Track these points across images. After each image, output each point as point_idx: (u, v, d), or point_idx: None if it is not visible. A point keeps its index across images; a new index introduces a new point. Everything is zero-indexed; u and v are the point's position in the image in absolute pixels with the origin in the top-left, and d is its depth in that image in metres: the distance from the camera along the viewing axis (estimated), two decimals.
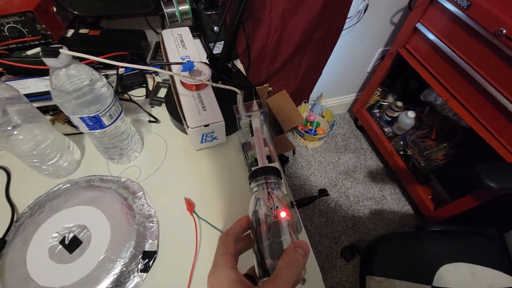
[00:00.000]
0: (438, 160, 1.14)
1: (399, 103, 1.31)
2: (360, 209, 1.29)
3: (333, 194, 1.33)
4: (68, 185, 0.45)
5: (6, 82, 0.40)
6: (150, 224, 0.42)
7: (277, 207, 0.26)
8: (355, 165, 1.44)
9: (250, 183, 0.29)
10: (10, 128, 0.37)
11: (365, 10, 1.03)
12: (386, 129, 1.39)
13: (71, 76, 0.34)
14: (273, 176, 0.29)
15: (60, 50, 0.30)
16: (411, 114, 1.24)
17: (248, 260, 0.26)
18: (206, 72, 0.46)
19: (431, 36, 0.92)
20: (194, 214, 0.42)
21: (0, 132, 0.37)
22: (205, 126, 0.42)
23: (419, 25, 0.97)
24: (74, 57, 0.33)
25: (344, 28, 0.98)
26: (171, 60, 0.50)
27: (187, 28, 0.56)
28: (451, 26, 0.86)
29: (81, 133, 0.51)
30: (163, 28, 0.70)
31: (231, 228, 0.27)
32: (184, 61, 0.50)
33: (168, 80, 0.60)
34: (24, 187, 0.45)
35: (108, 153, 0.46)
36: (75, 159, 0.47)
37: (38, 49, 0.30)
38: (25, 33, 0.53)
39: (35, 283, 0.35)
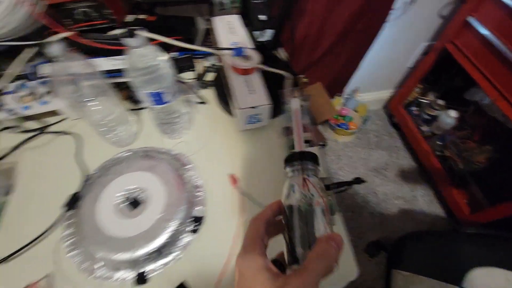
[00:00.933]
0: (479, 163, 1.08)
1: (441, 102, 1.26)
2: (389, 207, 1.27)
3: (361, 190, 1.32)
4: (130, 153, 0.51)
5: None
6: (198, 193, 0.46)
7: (312, 195, 0.25)
8: (386, 162, 1.41)
9: (285, 167, 0.28)
10: (85, 100, 0.43)
11: (412, 2, 0.99)
12: (423, 128, 1.34)
13: (143, 56, 0.38)
14: (310, 162, 0.27)
15: (140, 32, 0.34)
16: (453, 113, 1.19)
17: (278, 242, 0.26)
18: (256, 57, 0.49)
19: (484, 31, 0.87)
20: (237, 189, 0.46)
21: (78, 103, 0.44)
22: (253, 108, 0.45)
23: (471, 19, 0.92)
24: (146, 39, 0.37)
25: (386, 21, 0.96)
26: (221, 46, 0.54)
27: (237, 16, 0.59)
28: (508, 22, 0.81)
29: (140, 109, 0.57)
30: (212, 15, 0.74)
31: (262, 212, 0.26)
32: (231, 47, 0.53)
33: (215, 65, 0.64)
34: (93, 152, 0.52)
35: (163, 128, 0.51)
36: (133, 131, 0.53)
37: (121, 30, 0.35)
38: (95, 17, 0.59)
39: (103, 232, 0.41)
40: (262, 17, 0.67)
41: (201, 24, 0.72)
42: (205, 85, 0.61)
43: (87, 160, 0.51)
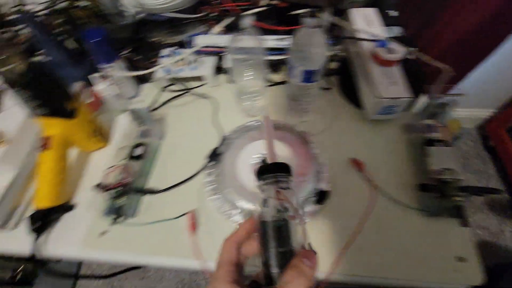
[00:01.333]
0: None
1: None
2: None
3: None
4: (259, 123, 0.57)
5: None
6: (324, 170, 0.50)
7: (286, 209, 0.23)
8: None
9: (257, 181, 0.26)
10: (245, 69, 0.49)
11: None
12: None
13: (312, 36, 0.42)
14: (284, 174, 0.25)
15: (322, 15, 0.38)
16: None
17: None
18: (399, 50, 0.50)
19: None
20: (360, 173, 0.49)
21: (237, 71, 0.50)
22: (393, 98, 0.47)
23: None
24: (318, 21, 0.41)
25: None
26: (358, 37, 0.56)
27: (374, 9, 0.60)
28: None
29: (275, 84, 0.62)
30: (339, 7, 0.75)
31: (234, 232, 0.25)
32: (371, 39, 0.55)
33: (337, 54, 0.66)
34: (226, 116, 0.59)
35: (292, 105, 0.56)
36: (264, 104, 0.58)
37: (302, 11, 0.39)
38: None
39: (242, 185, 0.47)
40: (393, 13, 0.67)
41: (327, 15, 0.74)
42: (328, 72, 0.64)
43: (221, 122, 0.58)
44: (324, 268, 0.41)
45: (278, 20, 0.62)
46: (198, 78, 0.64)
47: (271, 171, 0.25)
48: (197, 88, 0.63)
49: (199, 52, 0.62)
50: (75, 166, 0.50)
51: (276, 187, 0.25)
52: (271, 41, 0.57)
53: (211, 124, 0.58)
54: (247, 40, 0.45)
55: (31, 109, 0.42)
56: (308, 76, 0.47)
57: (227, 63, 0.62)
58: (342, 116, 0.57)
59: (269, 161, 0.29)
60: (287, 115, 0.58)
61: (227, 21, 0.60)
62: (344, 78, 0.60)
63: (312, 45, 0.43)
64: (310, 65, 0.45)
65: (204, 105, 0.61)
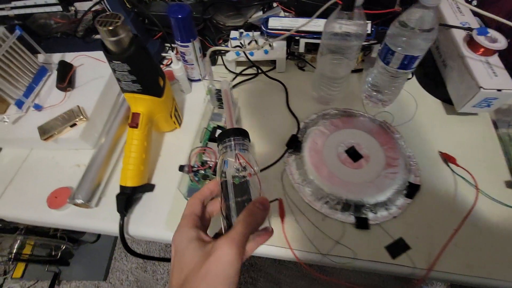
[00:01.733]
0: None
1: None
2: None
3: None
4: (335, 111, 0.54)
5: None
6: (412, 163, 0.47)
7: (244, 168, 0.27)
8: None
9: (218, 145, 0.29)
10: (334, 54, 0.47)
11: None
12: None
13: (427, 17, 0.39)
14: (241, 137, 0.29)
15: None
16: None
17: None
18: (502, 39, 0.46)
19: None
20: (453, 167, 0.46)
21: (324, 58, 0.48)
22: (498, 90, 0.44)
23: None
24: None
25: None
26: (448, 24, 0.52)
27: None
28: None
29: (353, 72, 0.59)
30: None
31: (199, 191, 0.28)
32: (464, 26, 0.51)
33: None
34: (299, 102, 0.57)
35: (372, 94, 0.53)
36: (342, 92, 0.56)
37: None
38: None
39: (331, 175, 0.45)
40: (474, 2, 0.63)
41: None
42: None
43: (294, 108, 0.56)
44: (421, 264, 0.39)
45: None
46: (269, 62, 0.62)
47: (230, 135, 0.28)
48: (268, 72, 0.61)
49: (270, 35, 0.59)
50: (152, 147, 0.49)
51: (235, 149, 0.28)
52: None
53: (284, 109, 0.56)
54: (347, 24, 0.42)
55: (125, 84, 0.41)
56: (407, 63, 0.44)
57: (301, 47, 0.59)
58: (425, 108, 0.54)
59: (228, 127, 0.32)
60: (366, 105, 0.56)
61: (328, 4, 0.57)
62: (426, 67, 0.57)
63: (422, 28, 0.40)
64: (414, 51, 0.42)
65: (275, 90, 0.59)
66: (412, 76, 0.59)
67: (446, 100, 0.54)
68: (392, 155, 0.46)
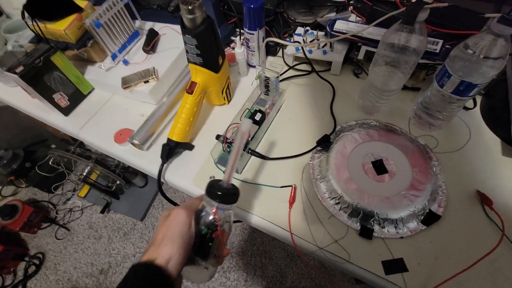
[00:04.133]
0: None
1: None
2: None
3: None
4: (376, 123, 0.54)
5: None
6: (440, 193, 0.45)
7: (215, 225, 0.32)
8: None
9: (205, 193, 0.33)
10: (388, 66, 0.47)
11: None
12: None
13: (491, 44, 0.37)
14: (227, 203, 0.33)
15: None
16: None
17: None
18: None
19: None
20: (488, 210, 0.43)
21: (379, 68, 0.48)
22: None
23: None
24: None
25: None
26: None
27: None
28: None
29: (413, 89, 0.58)
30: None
31: (197, 198, 0.36)
32: None
33: None
34: (343, 107, 0.58)
35: (422, 114, 0.51)
36: (389, 107, 0.55)
37: (496, 15, 0.34)
38: None
39: (349, 181, 0.46)
40: None
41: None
42: None
43: (336, 111, 0.57)
44: None
45: (439, 20, 0.55)
46: (325, 63, 0.64)
47: (218, 196, 0.32)
48: (322, 72, 0.63)
49: (334, 37, 0.61)
50: (201, 114, 0.57)
51: (216, 206, 0.32)
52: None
53: (326, 110, 0.58)
54: (405, 38, 0.42)
55: (191, 56, 0.48)
56: (465, 89, 0.42)
57: (361, 54, 0.60)
58: (479, 142, 0.50)
59: (225, 178, 0.33)
60: (412, 124, 0.54)
61: (393, 12, 0.57)
62: (494, 100, 0.52)
63: (487, 55, 0.38)
64: (473, 78, 0.40)
65: (323, 90, 0.61)
66: (475, 106, 0.55)
67: (507, 140, 0.49)
68: (420, 178, 0.45)
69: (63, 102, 0.61)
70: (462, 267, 0.39)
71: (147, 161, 0.55)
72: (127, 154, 0.57)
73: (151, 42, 0.64)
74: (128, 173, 1.26)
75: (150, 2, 0.81)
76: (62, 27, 0.57)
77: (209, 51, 0.48)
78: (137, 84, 0.59)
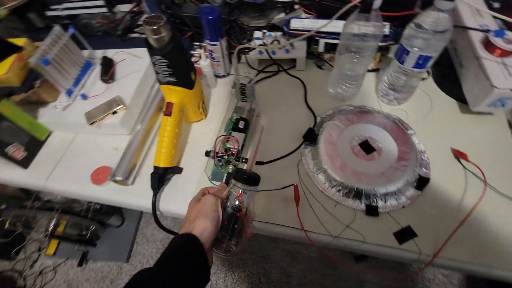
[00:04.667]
0: None
1: None
2: None
3: None
4: (351, 107, 0.58)
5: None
6: (423, 157, 0.50)
7: (239, 207, 0.37)
8: None
9: (232, 178, 0.39)
10: (352, 53, 0.50)
11: None
12: None
13: (442, 20, 0.42)
14: (251, 185, 0.38)
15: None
16: None
17: None
18: None
19: None
20: (465, 163, 0.48)
21: (343, 57, 0.51)
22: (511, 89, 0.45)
23: None
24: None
25: None
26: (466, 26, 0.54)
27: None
28: None
29: (371, 71, 0.62)
30: None
31: (222, 186, 0.43)
32: (482, 29, 0.53)
33: None
34: (316, 99, 0.60)
35: (387, 93, 0.56)
36: (357, 90, 0.59)
37: None
38: None
39: (344, 166, 0.48)
40: (496, 4, 0.64)
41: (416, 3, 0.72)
42: None
43: (312, 104, 0.59)
44: (427, 251, 0.42)
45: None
46: (289, 61, 0.66)
47: (244, 180, 0.37)
48: (289, 69, 0.65)
49: (292, 35, 0.63)
50: (181, 134, 0.54)
51: (241, 189, 0.37)
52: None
53: (302, 104, 0.60)
54: (364, 25, 0.45)
55: (162, 76, 0.46)
56: (422, 62, 0.47)
57: (320, 47, 0.63)
58: (440, 107, 0.56)
59: (247, 167, 0.41)
60: (381, 103, 0.58)
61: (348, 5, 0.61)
62: (442, 68, 0.59)
63: (436, 29, 0.43)
64: (429, 51, 0.45)
65: (295, 86, 0.63)
66: (428, 75, 0.61)
67: (461, 99, 0.56)
68: (404, 149, 0.49)
69: (19, 153, 0.54)
70: (460, 219, 0.43)
71: (134, 196, 0.51)
72: (110, 194, 0.52)
73: (109, 71, 0.59)
74: (102, 215, 1.16)
75: (94, 30, 0.76)
76: (1, 72, 0.51)
77: (181, 68, 0.46)
78: (104, 117, 0.54)
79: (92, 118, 0.54)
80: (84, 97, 0.58)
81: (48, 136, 0.60)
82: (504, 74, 0.47)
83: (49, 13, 0.67)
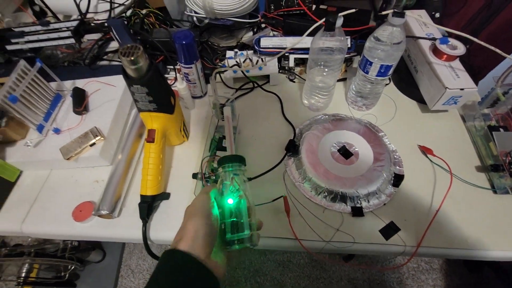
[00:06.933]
0: None
1: None
2: None
3: None
4: (326, 116, 0.61)
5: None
6: (396, 156, 0.54)
7: (237, 189, 0.36)
8: None
9: (218, 167, 0.39)
10: (321, 66, 0.54)
11: None
12: None
13: (396, 33, 0.47)
14: (238, 164, 0.38)
15: (411, 14, 0.43)
16: None
17: None
18: (461, 47, 0.55)
19: None
20: (431, 157, 0.53)
21: (313, 70, 0.55)
22: (461, 89, 0.52)
23: None
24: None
25: None
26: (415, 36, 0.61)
27: (423, 11, 0.66)
28: None
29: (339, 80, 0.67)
30: (380, 11, 0.81)
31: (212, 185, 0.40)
32: (429, 37, 0.60)
33: None
34: (292, 111, 0.63)
35: (356, 100, 0.61)
36: (329, 100, 0.63)
37: (389, 11, 0.44)
38: (295, 4, 0.72)
39: (327, 172, 0.51)
40: (437, 14, 0.73)
41: (371, 18, 0.80)
42: None
43: (289, 116, 0.62)
44: (410, 242, 0.45)
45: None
46: (263, 77, 0.69)
47: (229, 159, 0.38)
48: (263, 85, 0.68)
49: (263, 53, 0.67)
50: (165, 159, 0.54)
51: (232, 174, 0.37)
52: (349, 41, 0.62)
53: (280, 118, 0.63)
54: (330, 41, 0.50)
55: (142, 104, 0.46)
56: (384, 71, 0.52)
57: (290, 62, 0.67)
58: (403, 108, 0.62)
59: (229, 153, 0.41)
60: (352, 109, 0.63)
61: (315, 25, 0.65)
62: (401, 73, 0.65)
63: (393, 41, 0.48)
64: (388, 60, 0.50)
65: (271, 101, 0.66)
66: (390, 81, 0.67)
67: (420, 100, 0.62)
68: (378, 150, 0.53)
69: None
70: (434, 210, 0.47)
71: (122, 228, 0.50)
72: (94, 229, 0.50)
73: (83, 102, 0.58)
74: (81, 252, 1.08)
75: (59, 61, 0.73)
76: None
77: (162, 95, 0.47)
78: (82, 150, 0.52)
79: (68, 152, 0.52)
80: (57, 131, 0.56)
81: (18, 176, 0.57)
82: (453, 76, 0.54)
83: (10, 47, 0.64)
